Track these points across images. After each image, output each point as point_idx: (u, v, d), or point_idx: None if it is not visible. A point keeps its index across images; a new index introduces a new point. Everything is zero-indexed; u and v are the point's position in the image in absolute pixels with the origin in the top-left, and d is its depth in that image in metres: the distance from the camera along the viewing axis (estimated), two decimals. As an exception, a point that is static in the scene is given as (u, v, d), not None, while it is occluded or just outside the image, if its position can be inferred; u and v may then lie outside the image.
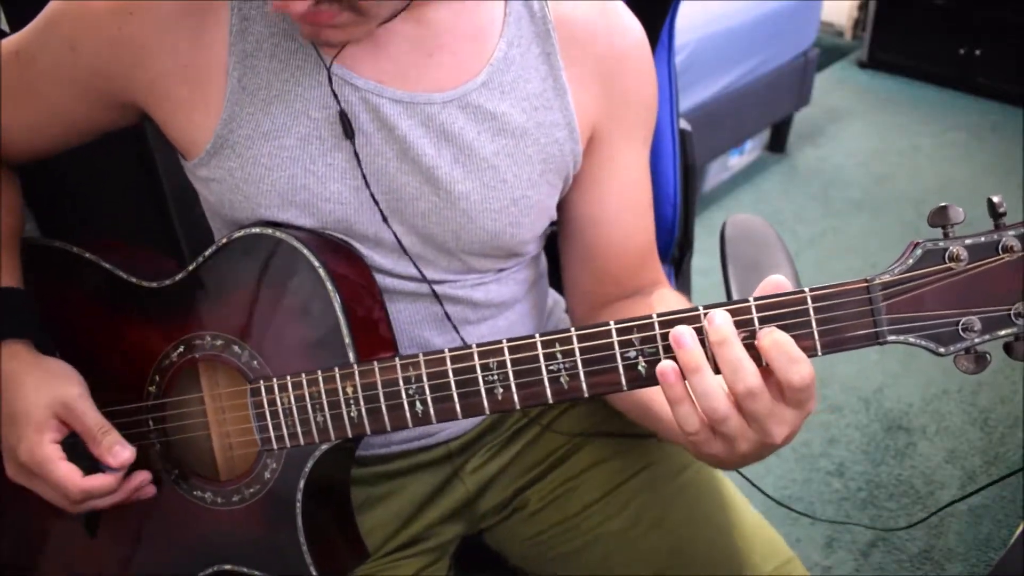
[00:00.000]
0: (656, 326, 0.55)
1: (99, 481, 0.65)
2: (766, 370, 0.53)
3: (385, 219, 0.69)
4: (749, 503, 0.83)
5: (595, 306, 0.81)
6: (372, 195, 0.68)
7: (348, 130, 0.66)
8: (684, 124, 1.05)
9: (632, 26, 0.74)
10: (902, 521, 1.64)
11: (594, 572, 0.81)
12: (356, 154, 0.67)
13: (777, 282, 0.54)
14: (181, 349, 0.69)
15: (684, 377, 0.53)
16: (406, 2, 0.62)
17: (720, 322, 0.52)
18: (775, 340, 0.52)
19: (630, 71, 0.73)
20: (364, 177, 0.67)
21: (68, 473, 0.64)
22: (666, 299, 0.77)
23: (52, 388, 0.66)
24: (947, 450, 1.80)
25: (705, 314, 0.53)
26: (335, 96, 0.66)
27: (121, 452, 0.66)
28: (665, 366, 0.53)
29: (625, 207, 0.77)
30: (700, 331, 0.53)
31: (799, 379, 0.51)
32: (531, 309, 0.84)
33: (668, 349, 0.54)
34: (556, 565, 0.83)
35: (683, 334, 0.53)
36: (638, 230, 0.79)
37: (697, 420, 0.54)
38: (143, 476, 0.69)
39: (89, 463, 0.66)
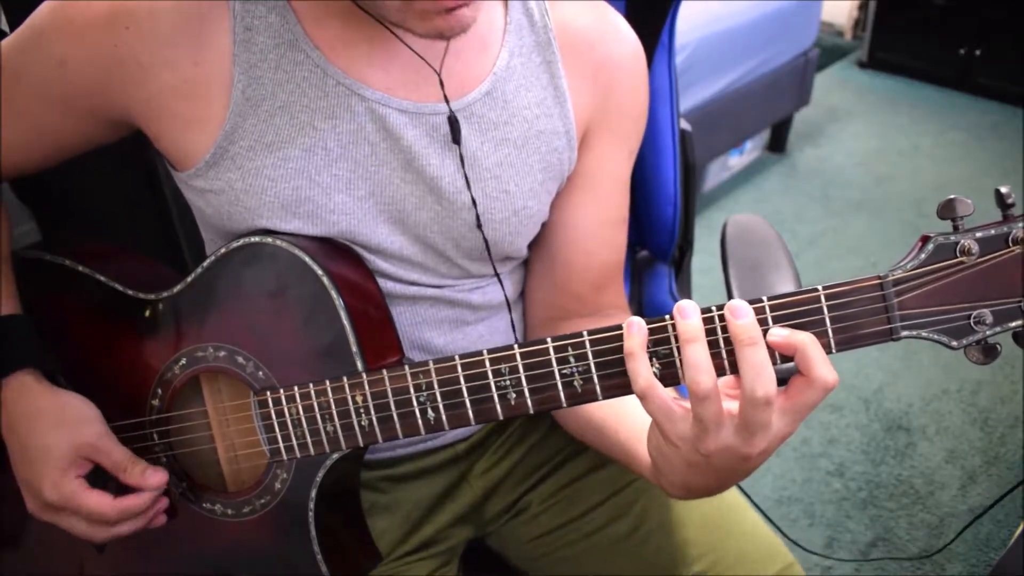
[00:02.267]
0: (670, 328, 0.54)
1: (134, 501, 0.65)
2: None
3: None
4: (750, 508, 0.83)
5: (550, 319, 0.80)
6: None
7: (456, 135, 0.66)
8: (684, 124, 1.05)
9: (630, 36, 0.74)
10: (903, 522, 1.64)
11: (596, 575, 0.81)
12: (462, 157, 0.67)
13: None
14: (183, 362, 0.68)
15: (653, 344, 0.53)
16: None
17: (749, 321, 0.51)
18: (814, 337, 0.51)
19: (625, 81, 0.73)
20: (467, 179, 0.67)
21: (101, 500, 0.64)
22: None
23: (73, 430, 0.66)
24: (947, 450, 1.80)
25: (719, 315, 0.53)
26: (446, 99, 0.66)
27: (154, 475, 0.67)
28: (632, 320, 0.53)
29: (600, 217, 0.76)
30: (713, 331, 0.53)
31: (834, 377, 0.51)
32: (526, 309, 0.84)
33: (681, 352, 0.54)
34: (558, 568, 0.83)
35: (686, 306, 0.52)
36: (608, 244, 0.78)
37: (645, 377, 0.53)
38: (164, 502, 0.69)
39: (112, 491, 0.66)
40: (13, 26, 0.83)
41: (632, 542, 0.80)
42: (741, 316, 0.51)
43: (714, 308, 0.54)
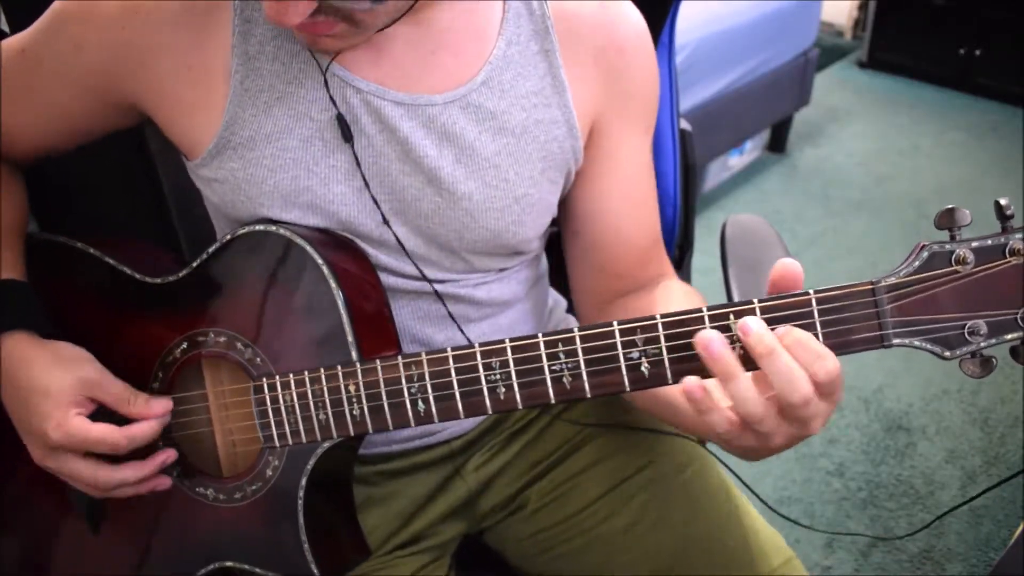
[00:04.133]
0: (660, 327, 0.54)
1: (141, 429, 0.65)
2: None
3: (386, 221, 0.69)
4: (749, 502, 0.83)
5: (601, 303, 0.81)
6: (373, 197, 0.68)
7: (346, 134, 0.66)
8: (684, 124, 1.05)
9: (632, 18, 0.73)
10: (903, 522, 1.64)
11: (594, 572, 0.80)
12: (356, 157, 0.67)
13: (786, 265, 0.53)
14: (184, 345, 0.69)
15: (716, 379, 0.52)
16: (403, 11, 0.61)
17: (758, 330, 0.51)
18: (797, 339, 0.51)
19: (630, 64, 0.73)
20: (364, 179, 0.67)
21: (108, 429, 0.64)
22: (672, 291, 0.76)
23: (69, 368, 0.66)
24: (947, 450, 1.80)
25: (710, 315, 0.53)
26: (332, 100, 0.66)
27: (157, 403, 0.67)
28: (691, 383, 0.51)
29: (628, 200, 0.77)
30: (727, 328, 0.53)
31: (825, 374, 0.50)
32: (532, 308, 0.84)
33: (672, 350, 0.54)
34: (556, 564, 0.83)
35: (712, 342, 0.51)
36: (642, 223, 0.78)
37: (727, 422, 0.53)
38: (171, 452, 0.69)
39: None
40: (13, 26, 0.83)
41: (630, 537, 0.79)
42: (751, 331, 0.51)
43: (704, 309, 0.54)
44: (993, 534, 1.60)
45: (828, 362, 0.51)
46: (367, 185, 0.68)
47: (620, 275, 0.79)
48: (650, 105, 0.77)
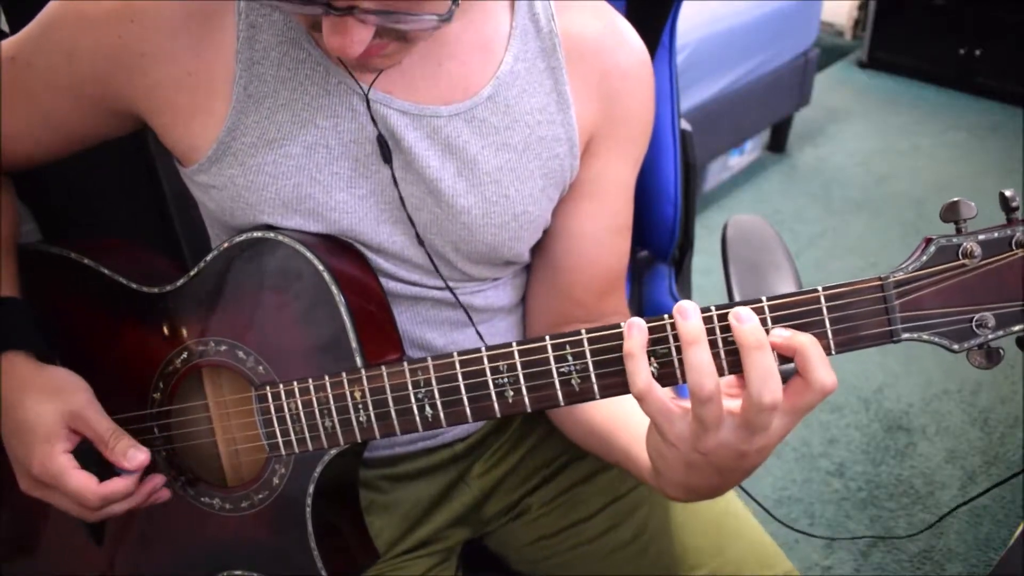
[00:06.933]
0: (668, 327, 0.54)
1: (115, 486, 0.64)
2: None
3: (420, 239, 0.69)
4: (751, 514, 0.83)
5: (552, 325, 0.79)
6: (408, 216, 0.68)
7: (386, 154, 0.66)
8: (684, 124, 1.05)
9: (636, 46, 0.73)
10: (902, 521, 1.64)
11: None
12: (394, 177, 0.67)
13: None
14: (185, 355, 0.68)
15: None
16: (442, 24, 0.60)
17: (753, 325, 0.51)
18: (815, 339, 0.51)
19: (630, 90, 0.73)
20: (400, 196, 0.67)
21: (84, 481, 0.63)
22: None
23: (58, 398, 0.65)
24: (947, 450, 1.80)
25: (724, 313, 0.53)
26: (374, 122, 0.65)
27: (136, 455, 0.65)
28: (632, 320, 0.53)
29: (605, 226, 0.76)
30: (712, 332, 0.53)
31: (833, 381, 0.51)
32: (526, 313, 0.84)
33: (680, 351, 0.54)
34: (558, 571, 0.83)
35: (686, 307, 0.52)
36: (612, 251, 0.78)
37: (643, 379, 0.53)
38: (157, 479, 0.68)
39: (102, 469, 0.65)
40: (13, 25, 0.83)
41: (632, 549, 0.80)
42: (746, 320, 0.51)
43: (712, 308, 0.53)
44: (993, 534, 1.60)
45: (832, 372, 0.51)
46: (403, 203, 0.67)
47: (578, 301, 0.78)
48: (643, 134, 0.76)
